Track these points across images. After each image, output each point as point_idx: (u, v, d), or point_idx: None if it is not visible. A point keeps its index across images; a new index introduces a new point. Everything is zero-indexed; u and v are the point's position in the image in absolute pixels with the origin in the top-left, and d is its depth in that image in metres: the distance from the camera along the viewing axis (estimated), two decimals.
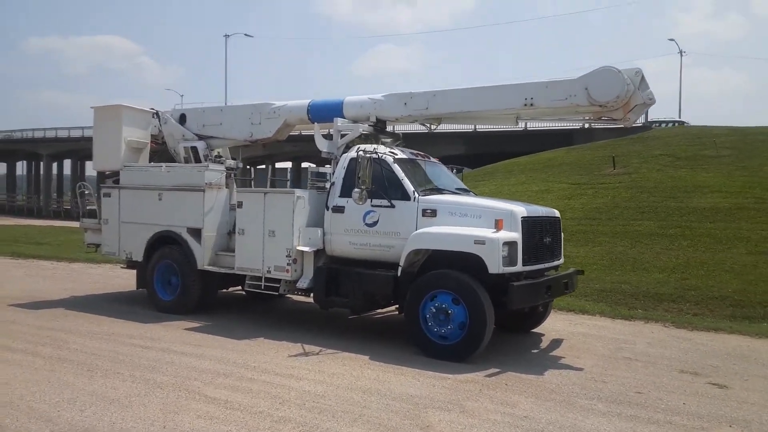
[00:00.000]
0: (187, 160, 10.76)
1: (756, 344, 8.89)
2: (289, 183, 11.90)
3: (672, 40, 46.35)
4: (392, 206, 8.08)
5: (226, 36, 49.08)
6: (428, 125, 9.47)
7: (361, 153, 7.95)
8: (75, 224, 21.97)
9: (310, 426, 5.22)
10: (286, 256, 8.71)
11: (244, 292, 11.67)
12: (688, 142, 26.90)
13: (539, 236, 7.86)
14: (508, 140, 37.33)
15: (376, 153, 8.16)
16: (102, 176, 11.30)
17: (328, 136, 9.24)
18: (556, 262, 8.41)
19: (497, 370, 7.09)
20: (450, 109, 8.66)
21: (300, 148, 39.84)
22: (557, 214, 8.60)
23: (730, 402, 6.19)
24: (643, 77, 7.61)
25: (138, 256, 10.41)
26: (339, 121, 9.13)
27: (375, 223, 8.21)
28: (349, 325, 9.66)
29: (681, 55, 46.94)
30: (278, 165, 48.49)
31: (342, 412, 5.55)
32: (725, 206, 17.88)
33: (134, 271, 10.94)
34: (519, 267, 7.41)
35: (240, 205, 9.23)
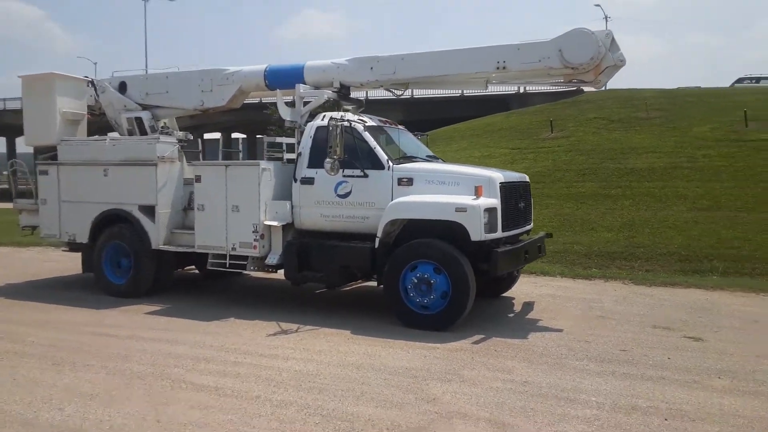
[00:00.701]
0: (130, 132, 10.03)
1: (713, 297, 9.29)
2: (241, 155, 11.34)
3: (598, 5, 47.42)
4: (365, 176, 7.81)
5: (145, 0, 46.49)
6: (393, 91, 9.16)
7: (332, 121, 7.60)
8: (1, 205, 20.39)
9: (314, 407, 4.99)
10: (253, 232, 8.31)
11: (197, 271, 11.23)
12: (620, 105, 27.70)
13: (515, 201, 7.82)
14: (446, 106, 37.41)
15: (346, 121, 7.82)
16: (36, 152, 10.39)
17: (290, 104, 8.79)
18: (527, 227, 8.43)
19: (482, 336, 7.06)
20: (419, 73, 8.40)
21: (230, 117, 38.52)
22: (527, 179, 8.59)
23: (711, 354, 6.40)
24: (613, 39, 7.61)
25: (82, 238, 9.69)
26: (301, 88, 8.69)
27: (348, 194, 7.92)
28: (319, 300, 9.41)
29: (606, 21, 48.13)
30: (207, 136, 46.84)
31: (342, 391, 5.34)
32: (661, 166, 18.57)
33: (73, 254, 10.21)
34: (499, 233, 7.35)
35: (198, 179, 8.71)
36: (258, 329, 7.49)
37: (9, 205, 11.66)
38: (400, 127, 9.19)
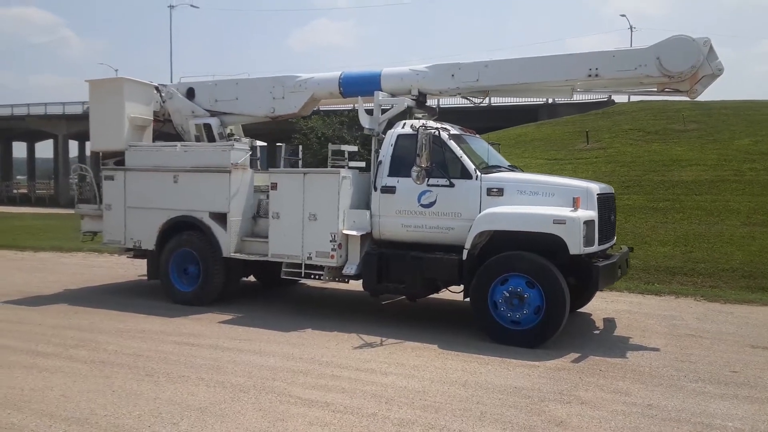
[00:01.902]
0: (197, 139, 9.91)
1: None
2: (300, 162, 11.11)
3: (623, 15, 47.02)
4: (452, 185, 7.61)
5: (171, 7, 46.76)
6: (472, 99, 8.98)
7: (422, 129, 7.41)
8: (32, 210, 20.40)
9: (438, 428, 4.77)
10: (331, 241, 8.12)
11: (255, 280, 11.08)
12: (654, 117, 27.38)
13: (607, 214, 7.59)
14: (472, 116, 37.13)
15: (435, 129, 7.63)
16: (96, 157, 10.29)
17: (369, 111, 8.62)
18: (614, 241, 8.19)
19: (578, 354, 6.81)
20: (503, 80, 8.20)
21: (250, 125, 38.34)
22: (612, 190, 8.35)
23: None
24: (711, 47, 7.38)
25: (149, 245, 9.55)
26: (380, 95, 8.53)
27: (432, 204, 7.72)
28: (388, 311, 9.23)
29: (631, 31, 47.92)
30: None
31: (460, 411, 5.12)
32: (707, 179, 18.24)
33: (121, 260, 10.01)
34: (596, 247, 7.12)
35: (274, 186, 8.54)
36: (341, 341, 7.29)
37: (44, 210, 11.60)
38: (476, 135, 9.00)
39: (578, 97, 35.65)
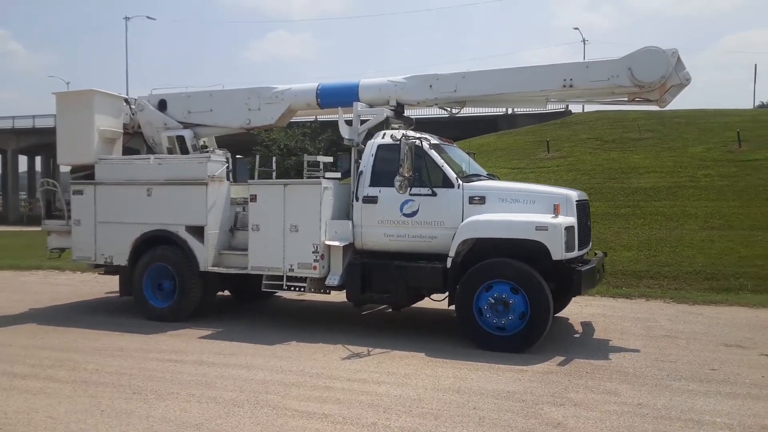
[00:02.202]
0: (170, 151, 9.74)
1: (762, 314, 9.36)
2: (274, 174, 10.94)
3: (577, 29, 48.41)
4: (434, 194, 7.68)
5: (126, 18, 45.89)
6: (448, 109, 9.09)
7: (404, 139, 7.47)
8: None
9: None
10: (313, 252, 8.09)
11: (229, 294, 10.92)
12: (610, 126, 28.17)
13: (584, 220, 7.78)
14: (437, 126, 37.61)
15: (417, 139, 7.71)
16: (66, 171, 10.01)
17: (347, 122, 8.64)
18: (589, 246, 8.39)
19: (563, 357, 6.95)
20: (481, 91, 8.34)
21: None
22: (587, 196, 8.57)
23: None
24: (678, 58, 7.67)
25: (121, 260, 9.31)
26: (359, 106, 8.56)
27: (414, 213, 7.78)
28: (368, 321, 9.23)
29: (584, 44, 49.47)
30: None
31: (459, 417, 5.15)
32: (665, 185, 18.86)
33: (82, 277, 9.74)
34: (576, 252, 7.29)
35: (254, 198, 8.46)
36: (327, 352, 7.24)
37: (12, 228, 11.17)
38: (453, 144, 9.12)
39: (537, 108, 36.49)
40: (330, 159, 10.57)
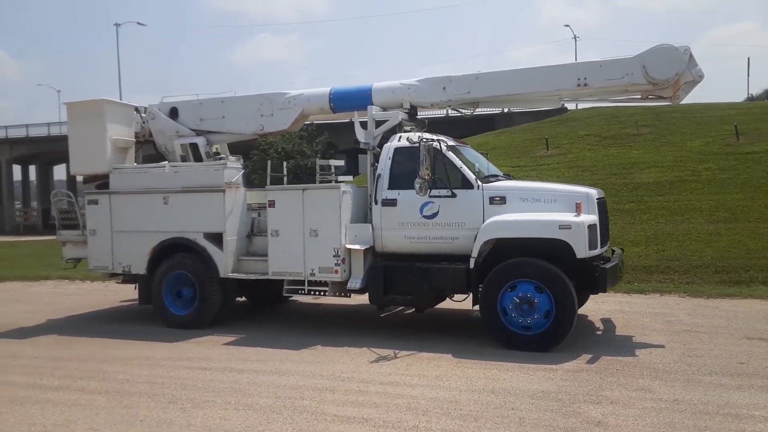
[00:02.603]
0: (184, 159, 9.73)
1: None
2: (285, 179, 10.92)
3: (567, 26, 48.52)
4: (454, 196, 7.72)
5: (117, 25, 45.70)
6: (462, 111, 9.14)
7: (422, 142, 7.50)
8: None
9: None
10: (334, 256, 8.11)
11: (245, 300, 10.93)
12: (607, 122, 28.29)
13: (603, 218, 7.84)
14: (433, 126, 37.70)
15: (435, 141, 7.74)
16: (75, 181, 9.97)
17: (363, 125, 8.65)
18: (608, 243, 8.45)
19: (589, 355, 7.00)
20: (494, 92, 8.39)
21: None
22: (604, 194, 8.62)
23: None
24: (691, 54, 7.74)
25: (139, 269, 9.29)
26: (374, 109, 8.58)
27: (435, 215, 7.81)
28: (388, 323, 9.26)
29: (575, 41, 49.59)
30: None
31: (499, 418, 5.19)
32: (667, 180, 18.97)
33: (92, 286, 9.69)
34: (598, 250, 7.34)
35: (272, 204, 8.47)
36: (355, 356, 7.27)
37: (9, 239, 11.12)
38: (467, 145, 9.17)
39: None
40: (341, 162, 10.62)
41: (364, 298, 8.72)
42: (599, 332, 8.25)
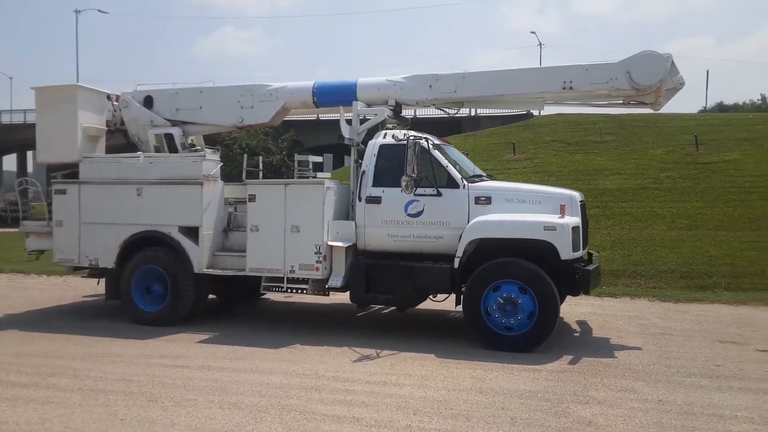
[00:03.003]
0: (158, 149, 9.44)
1: (743, 311, 9.77)
2: (261, 173, 10.64)
3: (533, 33, 49.27)
4: (439, 195, 7.69)
5: (77, 11, 44.32)
6: (446, 110, 9.12)
7: (411, 140, 7.45)
8: None
9: None
10: (315, 253, 7.97)
11: (215, 297, 10.67)
12: (572, 129, 28.81)
13: (584, 221, 7.92)
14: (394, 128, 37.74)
15: (423, 139, 7.69)
16: (49, 170, 9.58)
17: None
18: (587, 246, 8.54)
19: (570, 356, 7.05)
20: (480, 92, 8.40)
21: None
22: (584, 197, 8.72)
23: None
24: (673, 62, 7.90)
25: (107, 263, 8.96)
26: (359, 105, 8.48)
27: (419, 213, 7.76)
28: (365, 322, 9.20)
29: (540, 47, 50.51)
30: None
31: (491, 417, 5.16)
32: (630, 187, 19.41)
33: (50, 281, 9.31)
34: (580, 252, 7.41)
35: (252, 198, 8.28)
36: (336, 355, 7.15)
37: None
38: (450, 144, 9.15)
39: (500, 111, 36.85)
40: (320, 159, 10.48)
41: (338, 297, 8.63)
42: (576, 334, 8.34)
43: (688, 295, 11.10)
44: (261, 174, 10.92)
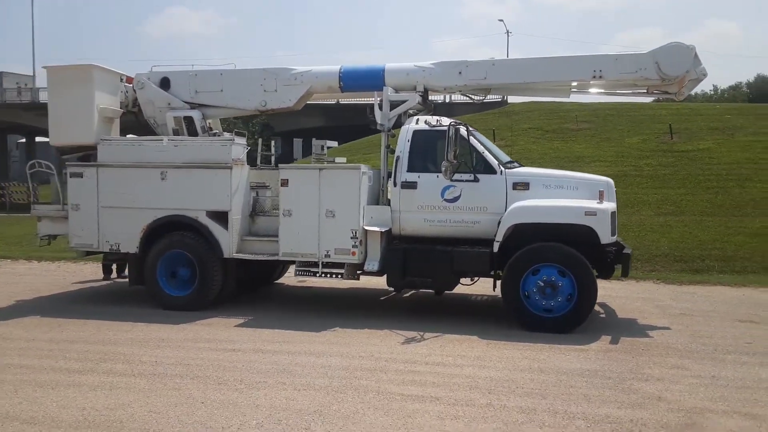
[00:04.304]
0: (176, 132, 9.24)
1: (746, 292, 10.22)
2: (273, 158, 10.50)
3: (501, 20, 49.65)
4: (477, 180, 7.79)
5: None
6: (472, 96, 9.21)
7: (451, 125, 7.52)
8: None
9: (563, 413, 4.95)
10: (351, 238, 7.99)
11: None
12: (547, 116, 29.32)
13: (617, 205, 8.16)
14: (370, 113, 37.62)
15: (461, 125, 7.78)
16: (61, 153, 9.28)
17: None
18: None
19: (608, 336, 7.29)
20: (510, 79, 8.52)
21: None
22: None
23: None
24: (696, 54, 8.18)
25: (130, 247, 8.77)
26: (389, 90, 8.50)
27: (456, 199, 7.86)
28: (392, 305, 9.29)
29: (508, 36, 51.01)
30: None
31: (564, 395, 5.33)
32: (611, 174, 19.49)
33: (46, 266, 9.09)
34: (616, 236, 7.64)
35: (285, 183, 8.23)
36: (382, 338, 7.22)
37: None
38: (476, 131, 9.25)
39: (475, 97, 37.12)
40: (335, 143, 10.44)
41: (347, 282, 8.67)
42: (602, 315, 8.61)
43: (690, 277, 11.55)
44: (273, 159, 10.82)
